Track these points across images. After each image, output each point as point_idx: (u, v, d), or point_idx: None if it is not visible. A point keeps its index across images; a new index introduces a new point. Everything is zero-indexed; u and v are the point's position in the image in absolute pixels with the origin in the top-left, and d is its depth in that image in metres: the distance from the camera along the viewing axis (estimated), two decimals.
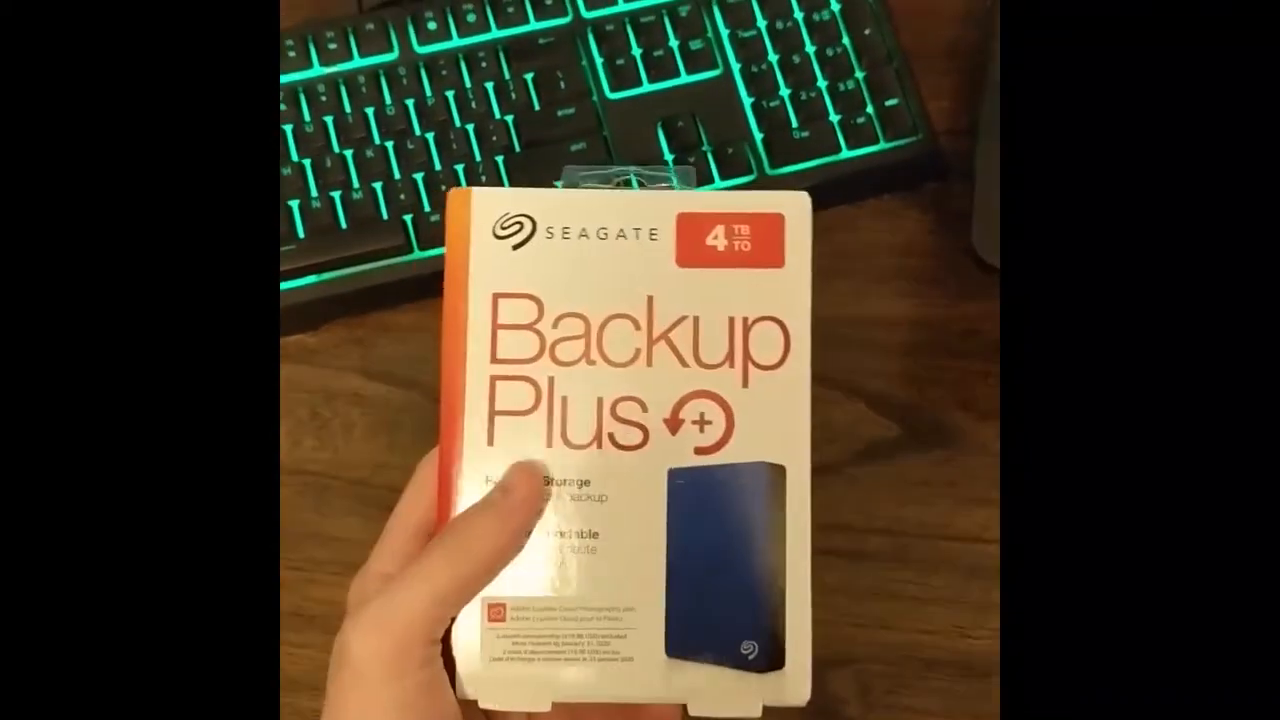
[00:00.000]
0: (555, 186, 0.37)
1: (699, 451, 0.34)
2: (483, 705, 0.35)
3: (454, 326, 0.35)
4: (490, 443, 0.34)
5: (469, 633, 0.34)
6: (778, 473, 0.34)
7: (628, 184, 0.37)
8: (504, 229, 0.34)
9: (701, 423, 0.34)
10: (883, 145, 0.55)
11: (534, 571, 0.34)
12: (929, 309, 0.53)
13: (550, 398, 0.34)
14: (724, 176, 0.54)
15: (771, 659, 0.34)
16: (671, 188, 0.36)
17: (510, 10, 0.57)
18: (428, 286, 0.53)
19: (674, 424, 0.34)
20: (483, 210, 0.35)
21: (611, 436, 0.34)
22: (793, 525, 0.34)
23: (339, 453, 0.51)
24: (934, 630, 0.48)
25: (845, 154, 0.55)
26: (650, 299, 0.35)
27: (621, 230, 0.35)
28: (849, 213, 0.55)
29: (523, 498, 0.34)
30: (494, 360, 0.34)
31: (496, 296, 0.34)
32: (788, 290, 0.35)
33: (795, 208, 0.35)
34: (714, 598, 0.34)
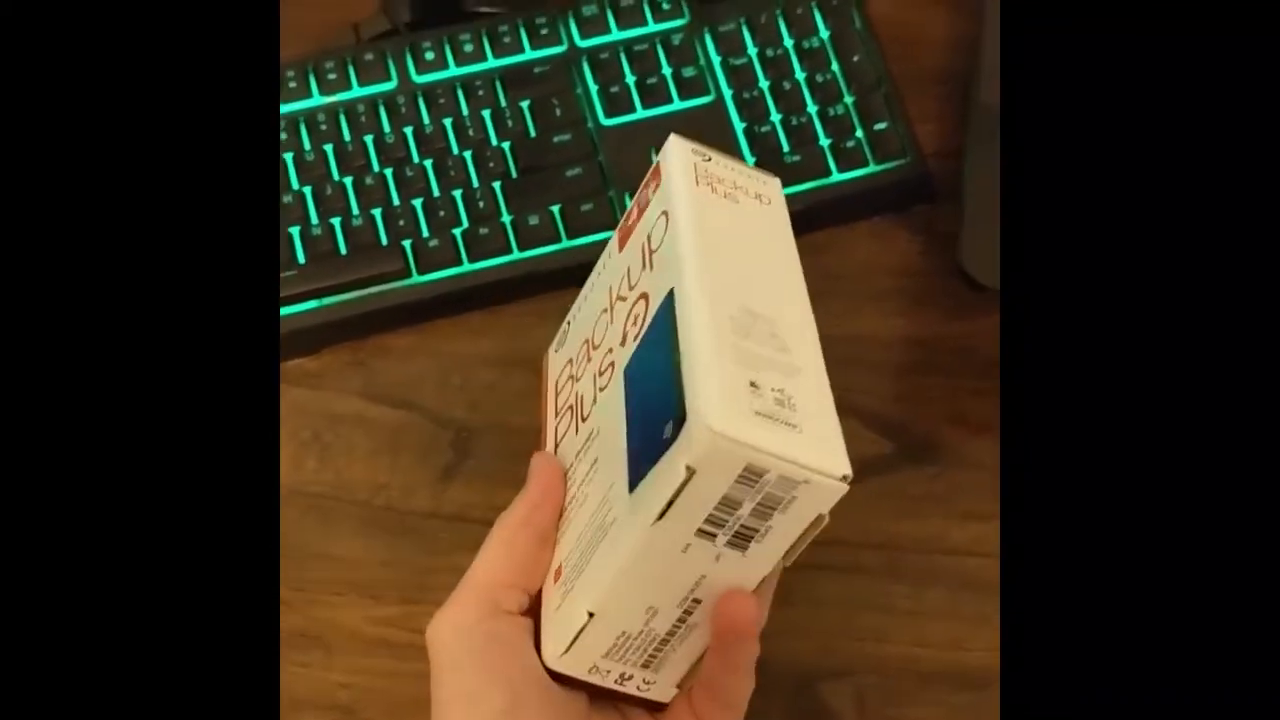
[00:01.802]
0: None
1: (636, 339, 0.38)
2: (550, 664, 0.37)
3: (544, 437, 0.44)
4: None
5: (546, 603, 0.38)
6: (666, 301, 0.36)
7: None
8: (556, 349, 0.47)
9: (635, 320, 0.38)
10: (872, 168, 0.56)
11: (571, 528, 0.38)
12: (920, 327, 0.54)
13: (577, 405, 0.41)
14: None
15: (679, 420, 0.33)
16: None
17: (506, 40, 0.58)
18: (427, 310, 0.55)
19: (624, 339, 0.38)
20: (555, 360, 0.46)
21: (600, 389, 0.39)
22: (698, 304, 0.35)
23: (341, 474, 0.52)
24: (930, 644, 0.49)
25: (836, 177, 0.56)
26: (610, 288, 0.42)
27: (597, 272, 0.45)
28: (840, 234, 0.56)
29: (546, 471, 0.40)
30: (555, 415, 0.44)
31: (555, 385, 0.45)
32: (667, 191, 0.40)
33: (673, 147, 0.42)
34: (647, 423, 0.35)
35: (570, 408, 0.42)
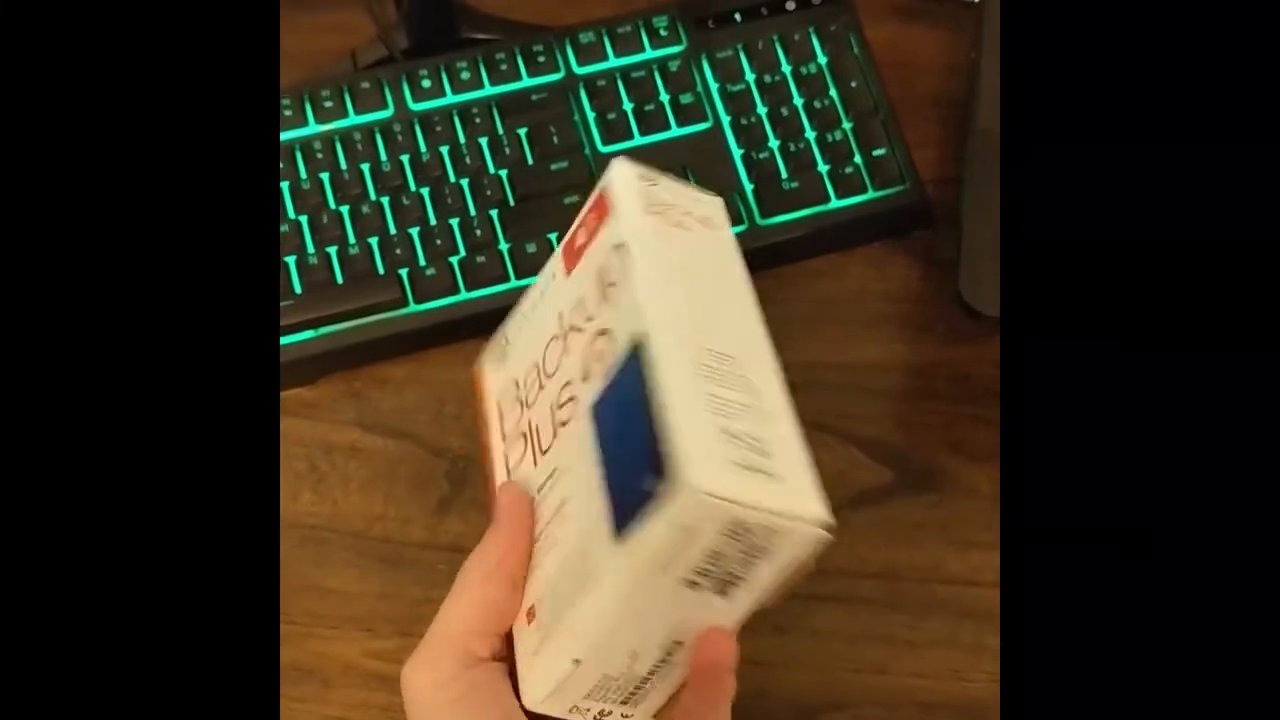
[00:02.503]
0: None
1: (602, 379, 0.37)
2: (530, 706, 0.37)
3: (485, 456, 0.43)
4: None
5: (518, 644, 0.38)
6: (636, 346, 0.35)
7: None
8: (493, 361, 0.44)
9: (600, 356, 0.37)
10: (870, 194, 0.56)
11: (541, 568, 0.37)
12: (919, 354, 0.54)
13: (530, 435, 0.40)
14: None
15: (659, 473, 0.33)
16: None
17: (503, 67, 0.58)
18: (424, 339, 0.54)
19: (586, 374, 0.38)
20: (489, 371, 0.45)
21: (561, 423, 0.38)
22: (668, 352, 0.35)
23: (337, 505, 0.52)
24: (929, 674, 0.49)
25: (834, 203, 0.56)
26: (560, 313, 0.40)
27: (541, 292, 0.43)
28: (839, 260, 0.56)
29: (510, 518, 0.38)
30: (503, 439, 0.42)
31: (498, 404, 0.43)
32: (620, 224, 0.39)
33: (616, 174, 0.41)
34: (625, 470, 0.35)
35: (524, 435, 0.40)
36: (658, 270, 0.37)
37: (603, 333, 0.37)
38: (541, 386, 0.40)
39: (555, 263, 0.42)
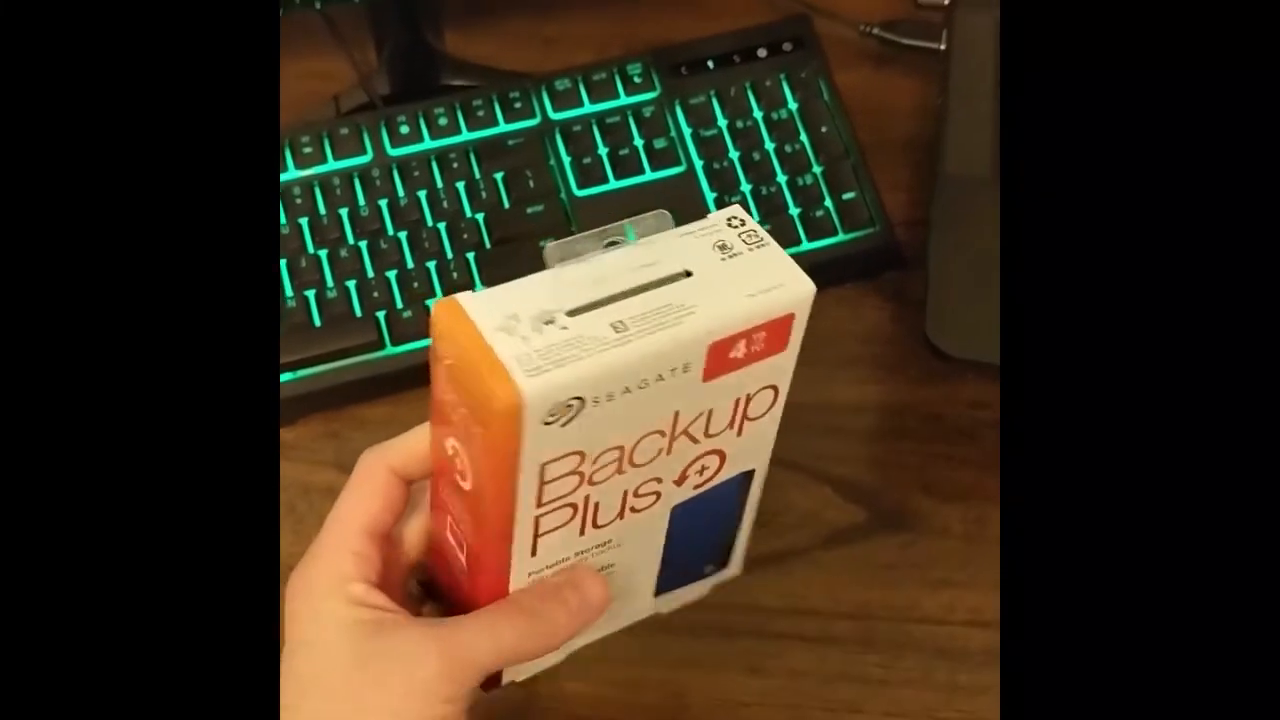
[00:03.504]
0: (547, 266, 0.36)
1: (696, 489, 0.38)
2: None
3: (500, 490, 0.34)
4: (534, 554, 0.36)
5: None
6: (747, 476, 0.39)
7: (619, 240, 0.37)
8: (552, 416, 0.32)
9: (701, 471, 0.37)
10: (841, 237, 0.56)
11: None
12: (890, 394, 0.55)
13: (585, 508, 0.36)
14: None
15: (720, 564, 0.43)
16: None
17: (480, 113, 0.59)
18: (401, 381, 0.55)
19: (681, 480, 0.37)
20: (534, 408, 0.32)
21: (632, 508, 0.37)
22: (758, 484, 0.40)
23: None
24: (902, 713, 0.49)
25: (805, 245, 0.56)
26: (676, 413, 0.35)
27: (660, 375, 0.34)
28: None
29: (594, 605, 0.37)
30: (539, 506, 0.35)
31: (544, 465, 0.34)
32: (784, 364, 0.36)
33: (803, 301, 0.35)
34: (689, 555, 0.41)
35: (573, 507, 0.36)
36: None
37: (718, 453, 0.37)
38: (621, 471, 0.35)
39: (685, 352, 0.34)
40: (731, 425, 0.36)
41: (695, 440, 0.36)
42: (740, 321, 0.34)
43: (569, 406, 0.32)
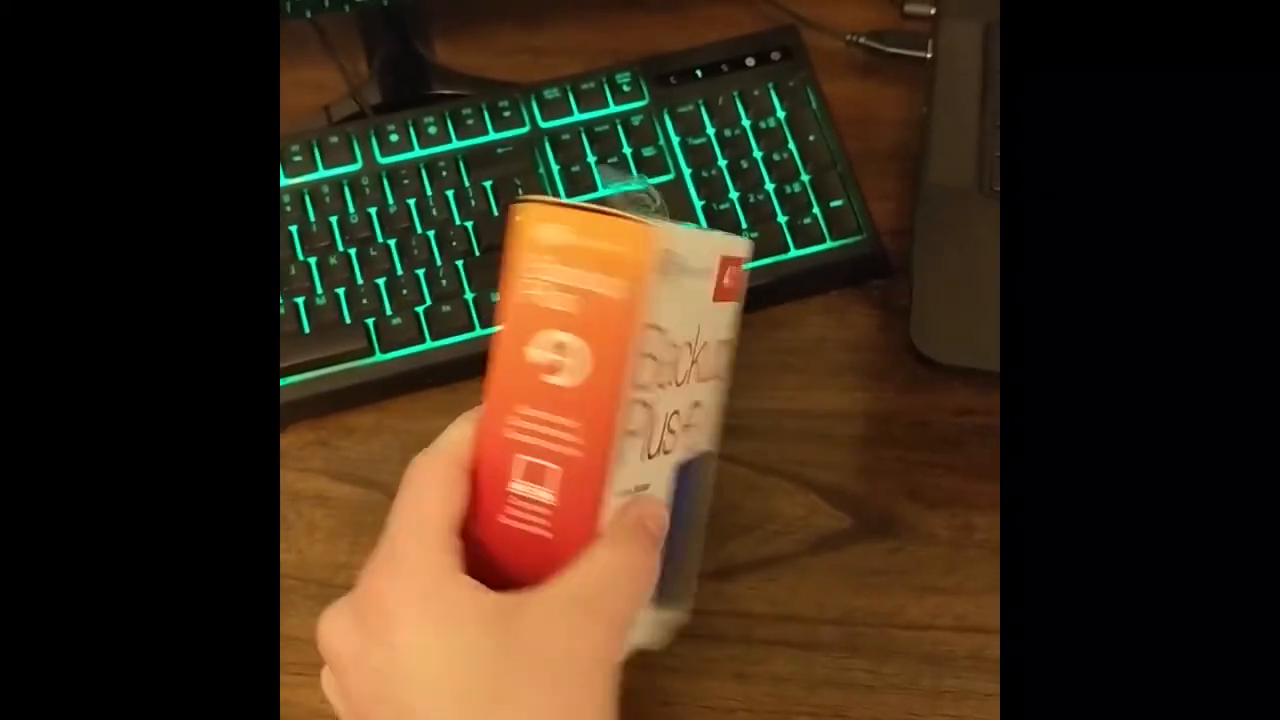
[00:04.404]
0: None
1: (687, 451, 0.41)
2: None
3: (613, 359, 0.35)
4: (622, 462, 0.36)
5: None
6: (710, 457, 0.42)
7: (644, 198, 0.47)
8: (663, 265, 0.36)
9: (694, 426, 0.41)
10: (829, 244, 0.57)
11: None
12: (876, 402, 0.55)
13: (651, 420, 0.37)
14: None
15: (667, 596, 0.41)
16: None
17: (469, 122, 0.59)
18: (390, 388, 0.55)
19: (686, 428, 0.40)
20: (657, 247, 0.35)
21: (663, 446, 0.39)
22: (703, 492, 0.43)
23: (303, 554, 0.52)
24: (888, 719, 0.49)
25: (793, 253, 0.57)
26: (699, 327, 0.39)
27: (705, 268, 0.39)
28: (797, 309, 0.57)
29: (663, 529, 0.38)
30: (635, 388, 0.36)
31: (648, 328, 0.36)
32: (736, 316, 0.42)
33: (746, 250, 0.43)
34: (671, 556, 0.40)
35: (648, 414, 0.37)
36: None
37: (704, 414, 0.41)
38: (674, 385, 0.38)
39: (712, 249, 0.40)
40: (718, 376, 0.41)
41: (701, 379, 0.40)
42: (733, 248, 0.41)
43: (671, 260, 0.36)
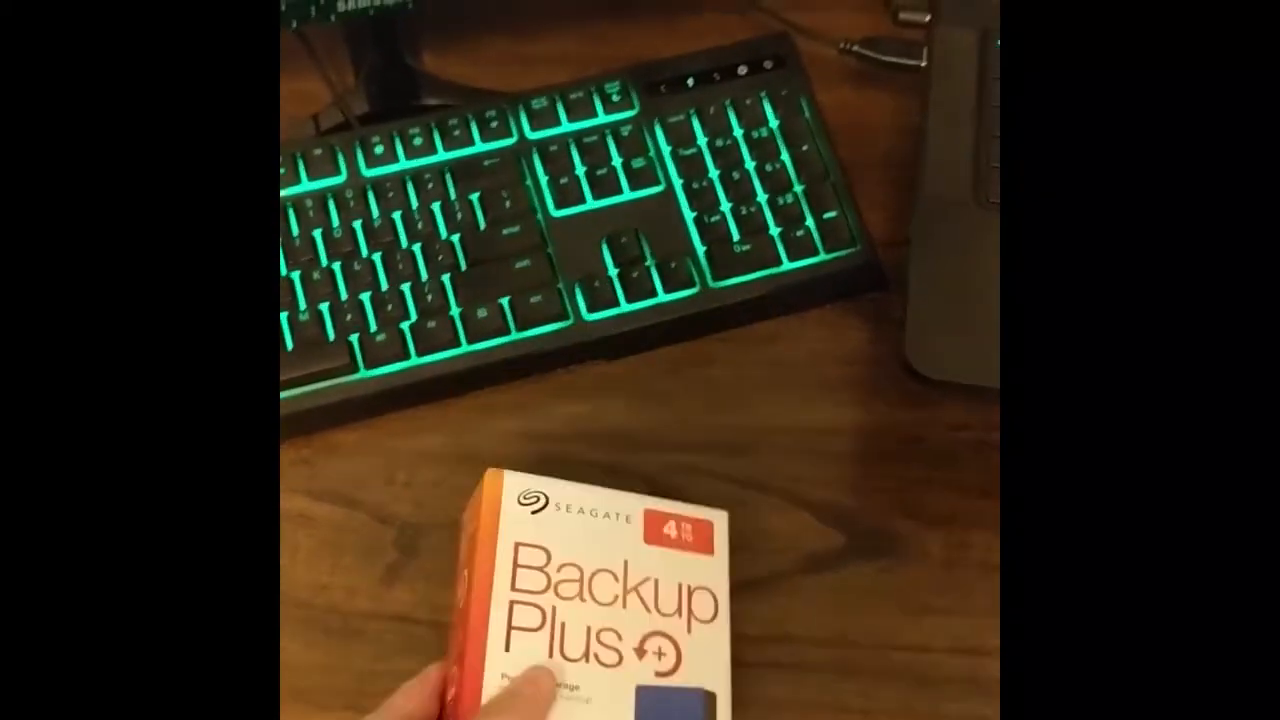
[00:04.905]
0: None
1: (658, 675, 0.44)
2: None
3: (484, 566, 0.45)
4: (507, 650, 0.43)
5: None
6: (710, 698, 0.44)
7: None
8: (525, 499, 0.46)
9: (659, 654, 0.45)
10: (822, 257, 0.56)
11: None
12: (871, 417, 0.54)
13: (552, 622, 0.44)
14: (667, 290, 0.55)
15: None
16: None
17: (456, 133, 0.58)
18: (374, 406, 0.54)
19: (640, 652, 0.44)
20: (510, 487, 0.46)
21: (596, 656, 0.44)
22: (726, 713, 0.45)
23: (284, 575, 0.51)
24: None
25: (786, 266, 0.56)
26: (625, 562, 0.46)
27: (607, 513, 0.47)
28: (791, 323, 0.56)
29: (544, 692, 0.42)
30: (513, 589, 0.44)
31: (517, 544, 0.45)
32: (717, 571, 0.47)
33: (721, 519, 0.48)
34: None
35: (542, 612, 0.44)
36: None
37: (673, 642, 0.45)
38: (582, 600, 0.45)
39: (627, 505, 0.47)
40: (679, 613, 0.45)
41: (647, 609, 0.45)
42: (668, 507, 0.48)
43: (537, 498, 0.46)
